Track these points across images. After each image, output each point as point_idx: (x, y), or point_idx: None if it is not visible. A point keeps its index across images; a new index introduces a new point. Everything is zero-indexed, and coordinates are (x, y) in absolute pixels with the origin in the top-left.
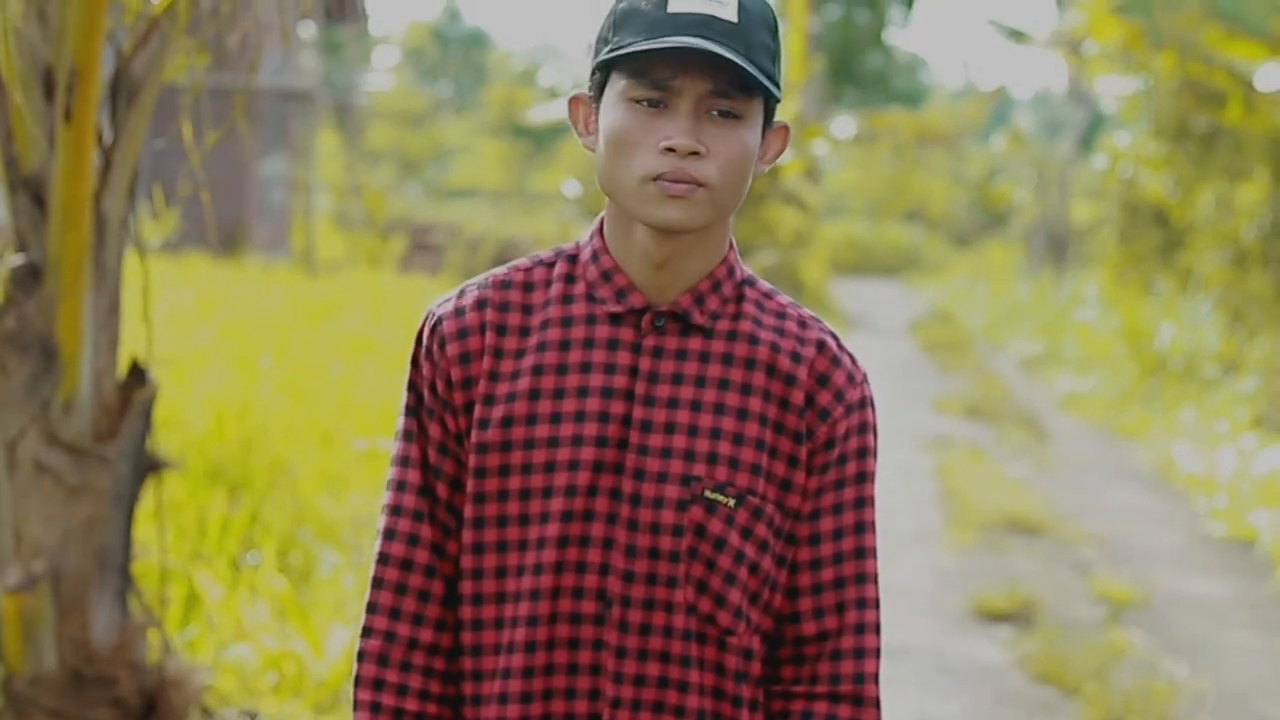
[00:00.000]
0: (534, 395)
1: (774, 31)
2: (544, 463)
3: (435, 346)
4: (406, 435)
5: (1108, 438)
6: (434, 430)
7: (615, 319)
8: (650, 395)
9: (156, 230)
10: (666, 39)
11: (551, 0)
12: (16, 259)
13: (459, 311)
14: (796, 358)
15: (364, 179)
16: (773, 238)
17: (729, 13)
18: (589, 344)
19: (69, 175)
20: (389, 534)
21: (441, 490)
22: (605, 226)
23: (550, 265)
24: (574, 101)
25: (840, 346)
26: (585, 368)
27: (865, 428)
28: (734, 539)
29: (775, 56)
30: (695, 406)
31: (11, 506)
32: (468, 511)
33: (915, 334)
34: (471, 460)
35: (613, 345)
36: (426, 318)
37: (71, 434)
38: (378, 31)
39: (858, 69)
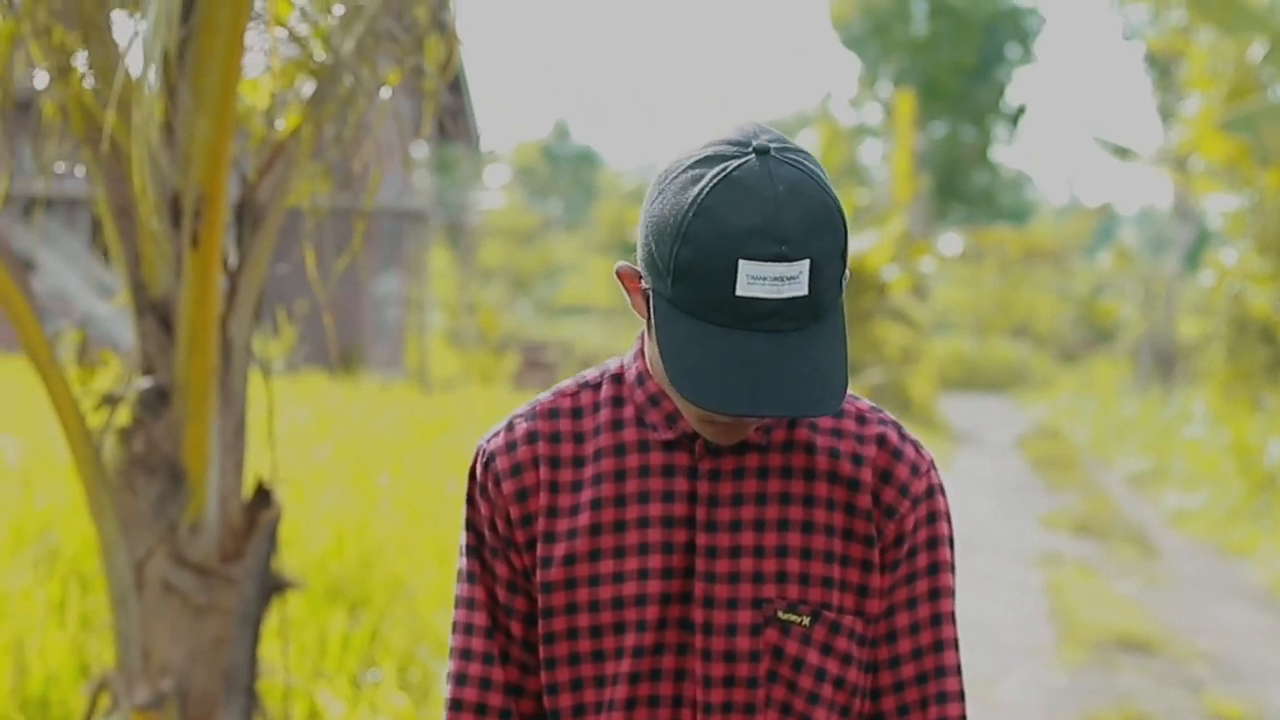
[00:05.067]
0: (595, 530)
1: (844, 244)
2: (611, 599)
3: (490, 484)
4: (470, 577)
5: (1217, 555)
6: (500, 569)
7: (668, 445)
8: (712, 520)
9: (276, 350)
10: (727, 348)
11: (659, 120)
12: (144, 382)
13: (510, 446)
14: (858, 460)
15: (477, 296)
16: (880, 355)
17: (800, 286)
18: (645, 472)
19: (196, 299)
20: (460, 679)
21: (516, 628)
22: (648, 354)
23: (596, 388)
24: (622, 275)
25: (902, 436)
26: (644, 497)
27: (935, 517)
28: (813, 657)
29: (843, 273)
30: (759, 526)
31: (139, 625)
32: (540, 651)
33: (1023, 450)
34: (539, 600)
35: (669, 472)
36: (478, 454)
37: (198, 555)
38: (489, 150)
39: (964, 186)
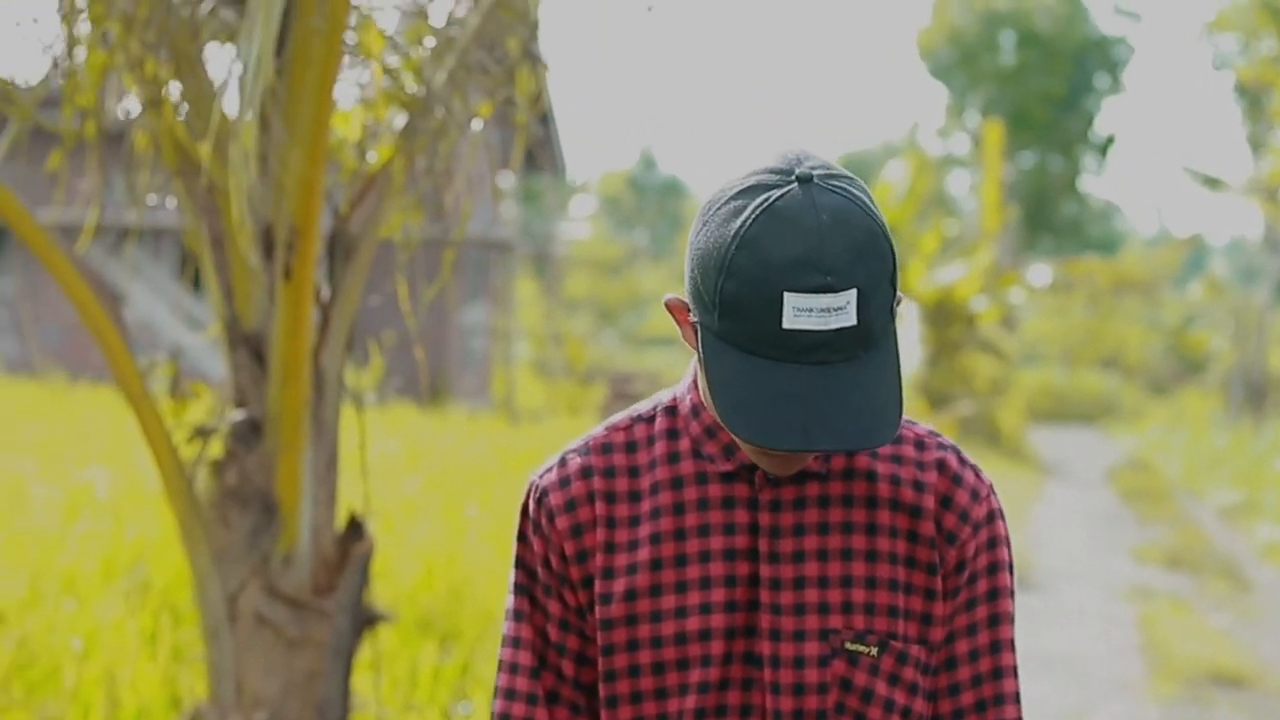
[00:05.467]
0: (655, 565)
1: (892, 270)
2: (674, 635)
3: (544, 520)
4: (517, 615)
5: None
6: (553, 607)
7: (727, 477)
8: (775, 551)
9: (367, 382)
10: (776, 381)
11: (745, 149)
12: (237, 415)
13: (564, 482)
14: (919, 487)
15: (563, 327)
16: (969, 386)
17: (848, 317)
18: (704, 505)
19: (288, 332)
20: (503, 718)
21: (567, 667)
22: (701, 387)
23: (650, 420)
24: (671, 307)
25: (961, 461)
26: (704, 531)
27: (995, 543)
28: (881, 688)
29: (894, 299)
30: (822, 556)
31: (233, 658)
32: (600, 690)
33: (1113, 482)
34: (599, 638)
35: (728, 504)
36: (530, 490)
37: (291, 587)
38: (575, 181)
39: (1052, 216)
